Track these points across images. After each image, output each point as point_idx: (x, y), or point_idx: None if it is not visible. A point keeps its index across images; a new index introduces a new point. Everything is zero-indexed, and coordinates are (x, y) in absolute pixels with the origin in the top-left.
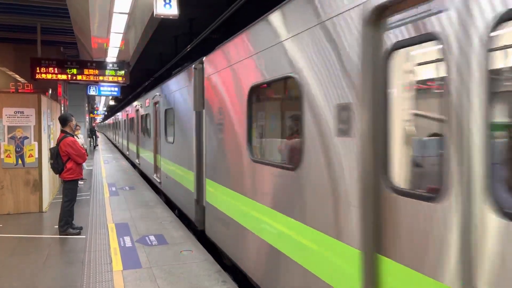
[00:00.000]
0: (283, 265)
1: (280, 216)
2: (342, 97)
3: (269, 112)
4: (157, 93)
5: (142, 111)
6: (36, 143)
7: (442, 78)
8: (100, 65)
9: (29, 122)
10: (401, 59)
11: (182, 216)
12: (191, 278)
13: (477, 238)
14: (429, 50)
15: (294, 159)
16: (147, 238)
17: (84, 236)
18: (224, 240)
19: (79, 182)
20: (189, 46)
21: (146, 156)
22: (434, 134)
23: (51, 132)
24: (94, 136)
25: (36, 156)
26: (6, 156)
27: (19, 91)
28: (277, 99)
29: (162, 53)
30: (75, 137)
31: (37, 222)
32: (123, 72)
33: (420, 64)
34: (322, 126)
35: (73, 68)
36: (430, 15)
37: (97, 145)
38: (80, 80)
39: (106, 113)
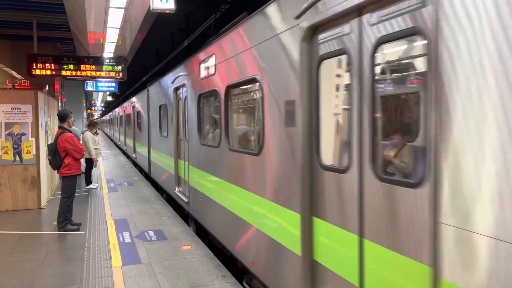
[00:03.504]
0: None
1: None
2: None
3: None
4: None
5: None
6: (33, 140)
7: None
8: (97, 61)
9: (26, 119)
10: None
11: None
12: (191, 273)
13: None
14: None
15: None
16: (146, 233)
17: (83, 232)
18: None
19: (93, 186)
20: (186, 41)
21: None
22: None
23: (49, 128)
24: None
25: (34, 152)
26: (4, 153)
27: (16, 87)
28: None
29: (159, 49)
30: (92, 134)
31: (36, 218)
32: (120, 67)
33: None
34: None
35: (70, 64)
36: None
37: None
38: (77, 76)
39: (103, 109)
